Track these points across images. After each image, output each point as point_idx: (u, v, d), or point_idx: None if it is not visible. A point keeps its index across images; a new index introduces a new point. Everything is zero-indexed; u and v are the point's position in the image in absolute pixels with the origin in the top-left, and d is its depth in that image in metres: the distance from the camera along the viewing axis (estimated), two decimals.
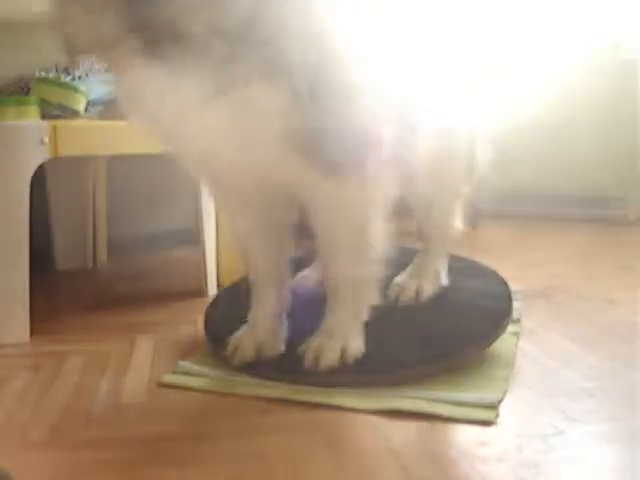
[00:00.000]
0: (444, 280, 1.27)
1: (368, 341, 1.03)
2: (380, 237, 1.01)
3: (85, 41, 0.85)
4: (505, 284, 1.26)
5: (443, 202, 1.27)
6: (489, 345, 1.08)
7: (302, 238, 1.11)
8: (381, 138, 0.95)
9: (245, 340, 1.07)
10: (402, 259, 1.26)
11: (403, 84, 1.01)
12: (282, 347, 1.07)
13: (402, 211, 1.06)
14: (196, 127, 0.87)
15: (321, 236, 1.02)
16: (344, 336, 1.02)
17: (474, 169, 1.27)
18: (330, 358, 1.00)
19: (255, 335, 1.07)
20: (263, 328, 1.08)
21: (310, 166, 0.91)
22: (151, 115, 0.89)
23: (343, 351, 1.00)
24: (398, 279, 1.26)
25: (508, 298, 1.20)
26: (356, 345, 1.02)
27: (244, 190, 1.02)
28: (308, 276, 1.32)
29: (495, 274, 1.33)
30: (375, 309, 1.04)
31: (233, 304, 1.16)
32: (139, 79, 0.85)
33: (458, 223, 1.30)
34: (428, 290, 1.23)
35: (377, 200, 1.00)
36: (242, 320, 1.11)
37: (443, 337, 1.08)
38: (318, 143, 0.89)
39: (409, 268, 1.28)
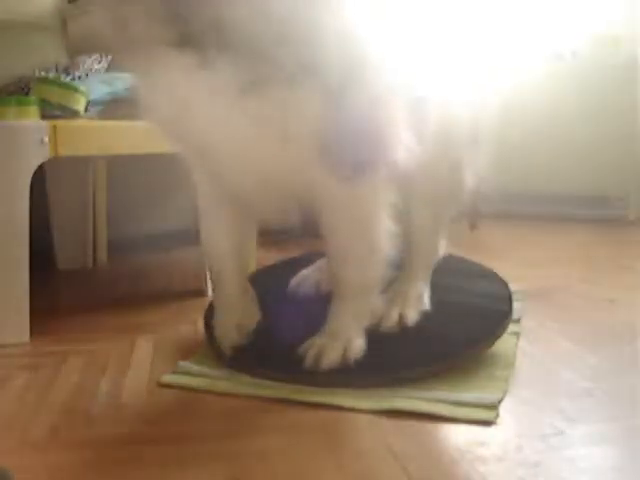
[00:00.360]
0: (427, 305, 1.18)
1: (369, 341, 1.03)
2: (386, 238, 1.01)
3: (112, 38, 0.85)
4: (505, 285, 1.26)
5: (429, 223, 1.20)
6: (489, 347, 1.08)
7: (305, 238, 1.11)
8: (399, 139, 0.95)
9: (226, 327, 1.10)
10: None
11: (422, 84, 1.01)
12: (259, 315, 1.12)
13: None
14: (222, 125, 0.88)
15: (331, 237, 1.02)
16: (347, 337, 1.02)
17: (464, 191, 1.21)
18: (332, 358, 1.00)
19: (232, 317, 1.10)
20: (237, 308, 1.11)
21: (328, 166, 0.92)
22: (174, 112, 0.89)
23: (345, 352, 1.00)
24: (379, 304, 1.11)
25: (509, 299, 1.19)
26: (358, 346, 1.02)
27: (247, 190, 1.02)
28: (308, 276, 1.32)
29: (495, 275, 1.32)
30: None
31: None
32: (167, 75, 0.86)
33: (442, 248, 1.24)
34: (412, 316, 1.13)
35: (386, 201, 1.00)
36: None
37: (443, 338, 1.08)
38: (340, 144, 0.89)
39: (389, 293, 1.15)
